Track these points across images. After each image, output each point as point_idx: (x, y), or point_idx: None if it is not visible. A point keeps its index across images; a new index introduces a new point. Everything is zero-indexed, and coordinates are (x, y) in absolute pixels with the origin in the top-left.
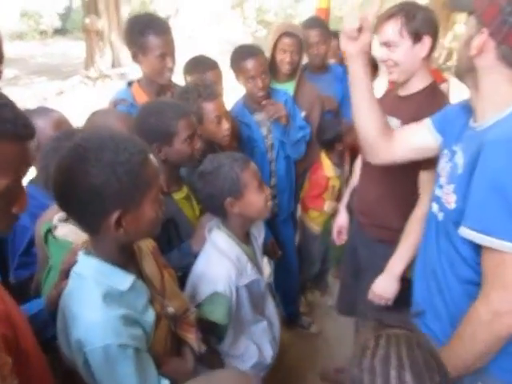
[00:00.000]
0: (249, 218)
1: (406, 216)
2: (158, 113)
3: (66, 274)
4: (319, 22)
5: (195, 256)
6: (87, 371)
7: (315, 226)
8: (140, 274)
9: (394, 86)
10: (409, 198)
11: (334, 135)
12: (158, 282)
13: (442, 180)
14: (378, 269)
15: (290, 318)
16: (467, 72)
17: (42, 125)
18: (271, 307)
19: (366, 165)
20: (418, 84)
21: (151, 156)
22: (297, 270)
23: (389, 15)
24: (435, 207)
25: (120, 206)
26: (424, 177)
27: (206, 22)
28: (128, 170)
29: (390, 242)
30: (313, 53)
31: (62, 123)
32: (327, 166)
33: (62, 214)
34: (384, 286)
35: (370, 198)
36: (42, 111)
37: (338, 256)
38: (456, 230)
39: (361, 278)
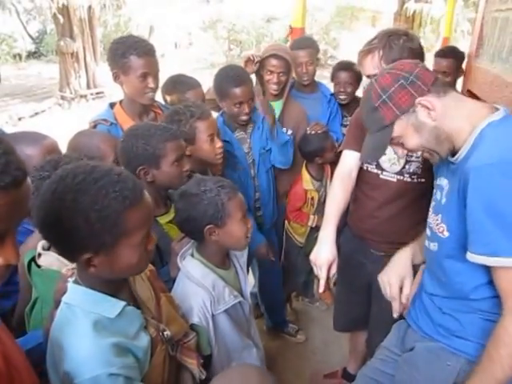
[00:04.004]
0: (226, 247)
1: (416, 230)
2: (146, 135)
3: (58, 304)
4: (309, 43)
5: (174, 281)
6: None
7: (298, 238)
8: (133, 299)
9: None
10: (418, 215)
11: (317, 148)
12: (152, 306)
13: (431, 211)
14: None
15: (276, 327)
16: (444, 143)
17: (31, 152)
18: (254, 326)
19: (377, 186)
20: None
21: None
22: (281, 279)
23: (367, 50)
24: (428, 233)
25: (90, 250)
26: None
27: (179, 41)
28: (103, 217)
29: None
30: (301, 72)
31: (52, 150)
32: (305, 179)
33: (45, 242)
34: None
35: (383, 218)
36: (33, 137)
37: None
38: (453, 254)
39: (378, 293)
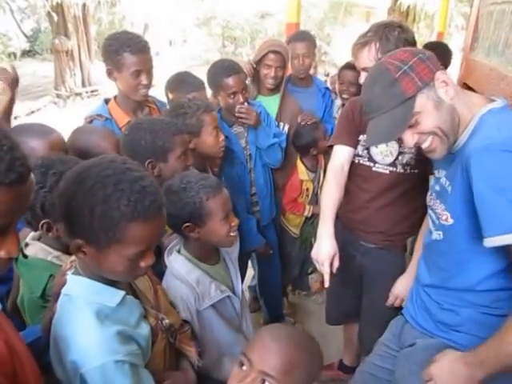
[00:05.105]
0: (209, 244)
1: (406, 222)
2: (154, 129)
3: (57, 297)
4: (307, 36)
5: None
6: None
7: (293, 229)
8: (132, 290)
9: None
10: (410, 206)
11: (310, 140)
12: (151, 296)
13: (433, 202)
14: (387, 274)
15: (274, 320)
16: (456, 127)
17: (35, 145)
18: (248, 320)
19: (370, 179)
20: None
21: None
22: (280, 273)
23: (363, 42)
24: (432, 222)
25: (84, 238)
26: None
27: (173, 38)
28: (106, 217)
29: (392, 247)
30: (298, 64)
31: (56, 145)
32: (301, 170)
33: (35, 234)
34: (405, 287)
35: (375, 208)
36: (39, 130)
37: None
38: (461, 244)
39: (368, 285)
